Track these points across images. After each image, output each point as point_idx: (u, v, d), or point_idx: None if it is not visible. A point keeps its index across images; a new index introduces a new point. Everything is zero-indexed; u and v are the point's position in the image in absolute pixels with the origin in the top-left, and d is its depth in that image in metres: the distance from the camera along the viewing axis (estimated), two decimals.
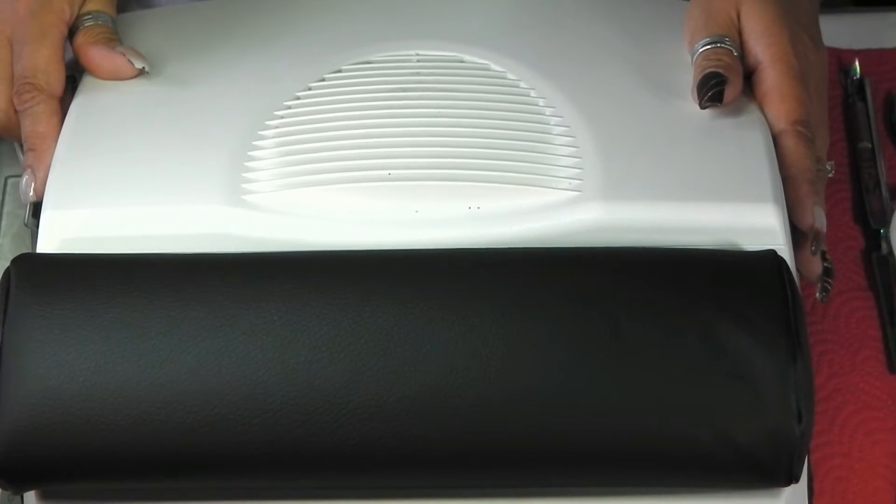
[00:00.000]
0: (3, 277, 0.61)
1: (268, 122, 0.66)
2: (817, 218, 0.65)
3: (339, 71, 0.69)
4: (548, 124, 0.66)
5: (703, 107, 0.66)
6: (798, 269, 0.64)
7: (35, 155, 0.66)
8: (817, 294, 0.67)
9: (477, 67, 0.69)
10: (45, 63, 0.68)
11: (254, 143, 0.65)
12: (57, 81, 0.68)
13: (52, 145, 0.66)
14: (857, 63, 0.84)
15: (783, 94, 0.67)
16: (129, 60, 0.69)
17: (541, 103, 0.67)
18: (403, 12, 0.73)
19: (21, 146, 0.68)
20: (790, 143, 0.66)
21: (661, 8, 0.74)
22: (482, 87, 0.68)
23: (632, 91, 0.68)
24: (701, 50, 0.68)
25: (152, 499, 0.61)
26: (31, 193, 0.66)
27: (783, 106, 0.67)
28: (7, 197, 0.79)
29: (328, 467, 0.59)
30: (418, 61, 0.70)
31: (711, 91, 0.66)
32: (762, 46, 0.68)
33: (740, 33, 0.69)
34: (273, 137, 0.65)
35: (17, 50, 0.69)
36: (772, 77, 0.67)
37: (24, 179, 0.66)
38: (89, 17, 0.71)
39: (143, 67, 0.69)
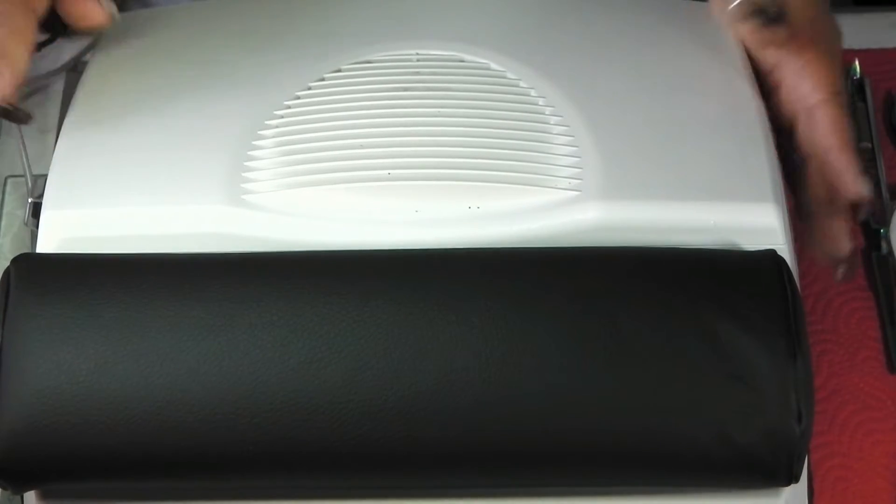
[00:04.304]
0: (3, 277, 0.61)
1: (268, 122, 0.66)
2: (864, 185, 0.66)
3: (339, 71, 0.69)
4: (548, 124, 0.66)
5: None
6: (823, 247, 0.64)
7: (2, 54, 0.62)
8: (839, 273, 0.67)
9: (477, 67, 0.69)
10: None
11: (254, 143, 0.65)
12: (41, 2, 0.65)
13: (24, 53, 0.62)
14: (857, 63, 0.84)
15: (820, 68, 0.68)
16: (99, 4, 0.66)
17: (541, 103, 0.67)
18: (403, 12, 0.73)
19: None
20: (835, 111, 0.66)
21: (661, 8, 0.74)
22: (482, 86, 0.68)
23: (632, 91, 0.68)
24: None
25: (152, 499, 0.61)
26: None
27: (821, 75, 0.67)
28: (7, 197, 0.79)
29: (328, 467, 0.59)
30: (418, 61, 0.70)
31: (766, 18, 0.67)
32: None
33: None
34: (273, 137, 0.65)
35: None
36: (811, 52, 0.68)
37: None
38: None
39: (112, 13, 0.67)
